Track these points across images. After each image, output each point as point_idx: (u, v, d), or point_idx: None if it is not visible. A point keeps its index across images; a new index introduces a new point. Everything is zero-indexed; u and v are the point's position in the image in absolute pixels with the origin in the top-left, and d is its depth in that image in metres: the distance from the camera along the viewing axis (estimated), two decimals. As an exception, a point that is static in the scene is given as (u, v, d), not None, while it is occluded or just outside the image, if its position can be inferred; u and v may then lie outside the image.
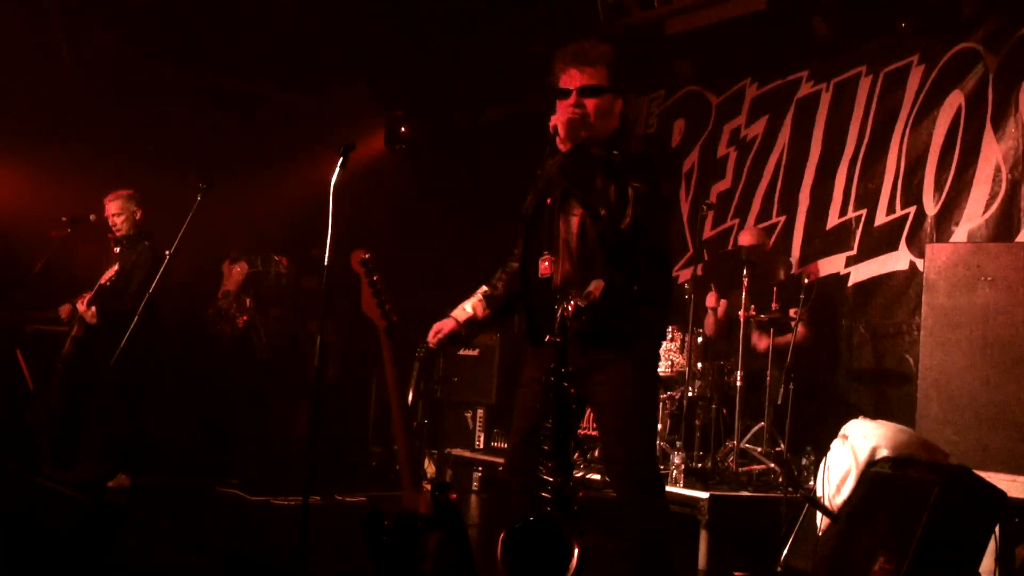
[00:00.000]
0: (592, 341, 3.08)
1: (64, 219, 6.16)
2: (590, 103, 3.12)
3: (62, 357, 6.15)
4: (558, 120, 3.03)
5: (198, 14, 7.17)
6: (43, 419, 6.18)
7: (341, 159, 3.73)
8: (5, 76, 6.92)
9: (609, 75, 3.14)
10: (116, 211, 6.15)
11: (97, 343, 6.01)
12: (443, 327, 3.35)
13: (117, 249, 6.20)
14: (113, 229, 6.17)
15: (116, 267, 5.92)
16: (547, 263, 3.17)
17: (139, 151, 7.14)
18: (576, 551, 2.91)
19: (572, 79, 3.14)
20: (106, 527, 3.10)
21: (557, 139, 3.06)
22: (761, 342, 5.65)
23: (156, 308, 5.51)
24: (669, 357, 5.70)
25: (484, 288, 3.40)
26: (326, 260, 3.70)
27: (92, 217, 6.17)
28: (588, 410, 4.37)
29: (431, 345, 3.40)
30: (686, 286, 6.09)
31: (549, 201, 3.21)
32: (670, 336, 5.65)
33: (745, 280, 5.40)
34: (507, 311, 3.42)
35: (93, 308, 5.98)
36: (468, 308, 3.37)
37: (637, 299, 3.11)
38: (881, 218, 6.02)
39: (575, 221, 3.15)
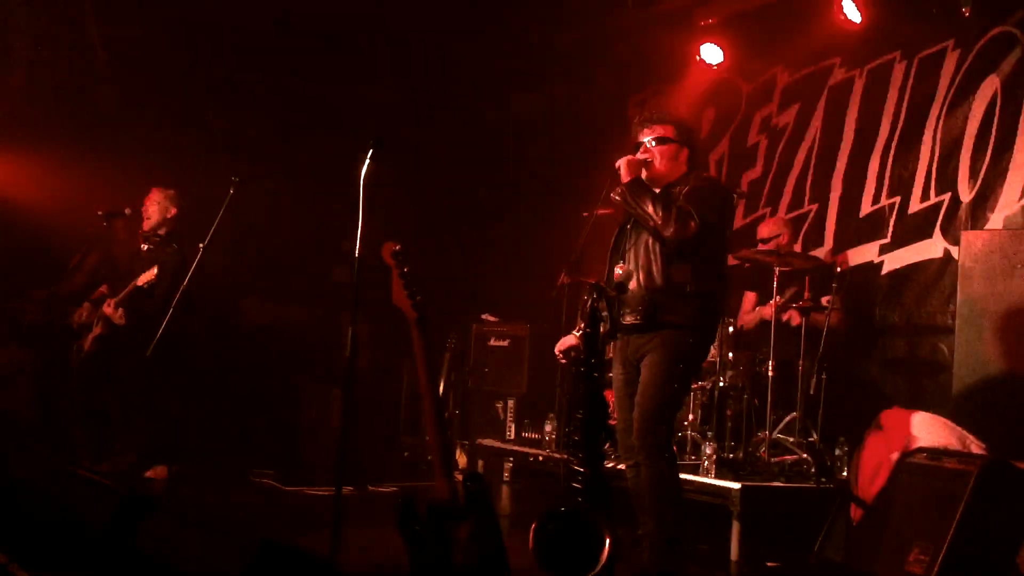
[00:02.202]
0: (648, 329, 3.78)
1: (100, 213, 6.20)
2: (658, 150, 3.95)
3: (84, 355, 6.13)
4: (622, 161, 3.86)
5: (230, 10, 7.22)
6: (76, 414, 6.25)
7: (371, 152, 3.75)
8: (40, 73, 7.01)
9: (675, 130, 3.99)
10: (151, 201, 6.20)
11: (121, 339, 6.04)
12: (567, 340, 3.99)
13: (145, 247, 6.19)
14: (144, 219, 6.19)
15: (155, 270, 5.83)
16: (620, 270, 3.91)
17: (173, 146, 7.21)
18: (608, 541, 2.92)
19: (644, 134, 4.00)
20: (135, 515, 3.16)
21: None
22: (794, 319, 5.57)
23: (191, 302, 5.56)
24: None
25: None
26: (357, 252, 3.73)
27: (127, 211, 6.21)
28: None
29: (560, 358, 4.02)
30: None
31: (629, 227, 3.97)
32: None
33: (776, 271, 5.35)
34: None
35: (121, 310, 5.97)
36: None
37: (687, 298, 3.76)
38: (915, 205, 5.93)
39: (644, 237, 3.84)
